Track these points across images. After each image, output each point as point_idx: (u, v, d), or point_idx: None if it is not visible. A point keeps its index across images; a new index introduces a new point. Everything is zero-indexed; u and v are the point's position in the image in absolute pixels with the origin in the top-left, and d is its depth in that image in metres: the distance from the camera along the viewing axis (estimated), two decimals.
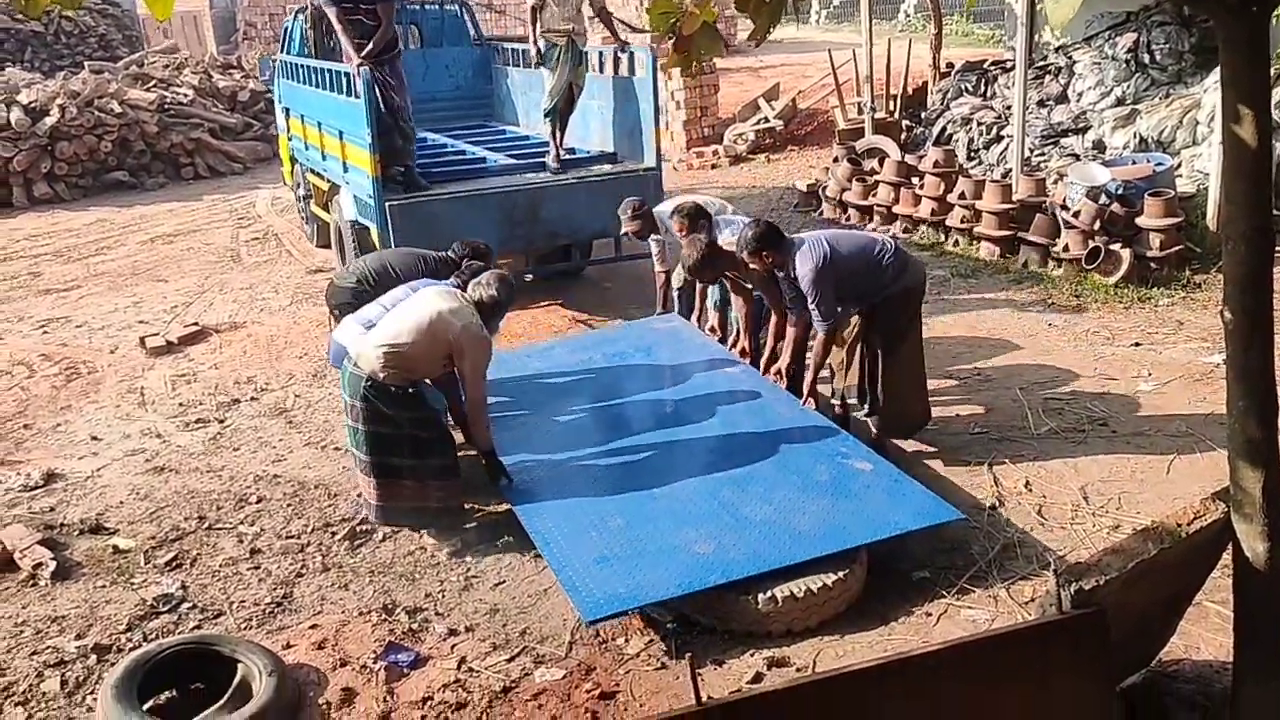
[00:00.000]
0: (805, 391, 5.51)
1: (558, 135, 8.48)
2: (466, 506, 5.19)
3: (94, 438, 6.48)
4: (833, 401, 5.74)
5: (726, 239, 5.72)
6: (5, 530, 5.20)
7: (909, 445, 5.61)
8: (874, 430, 5.53)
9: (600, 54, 8.82)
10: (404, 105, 7.87)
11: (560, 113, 8.43)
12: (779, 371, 5.70)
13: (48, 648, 4.34)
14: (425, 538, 5.03)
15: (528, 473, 5.12)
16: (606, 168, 8.56)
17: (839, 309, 5.29)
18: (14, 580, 4.87)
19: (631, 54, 8.43)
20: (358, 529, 5.16)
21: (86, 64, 18.47)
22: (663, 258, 6.72)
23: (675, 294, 6.91)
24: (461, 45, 11.34)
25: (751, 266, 5.36)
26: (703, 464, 5.04)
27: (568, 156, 8.59)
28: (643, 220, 6.56)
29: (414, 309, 4.93)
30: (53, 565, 4.88)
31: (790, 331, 5.59)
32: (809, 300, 5.20)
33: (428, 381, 5.13)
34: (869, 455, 4.99)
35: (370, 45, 7.65)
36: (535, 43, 8.24)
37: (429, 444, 4.94)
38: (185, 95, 16.34)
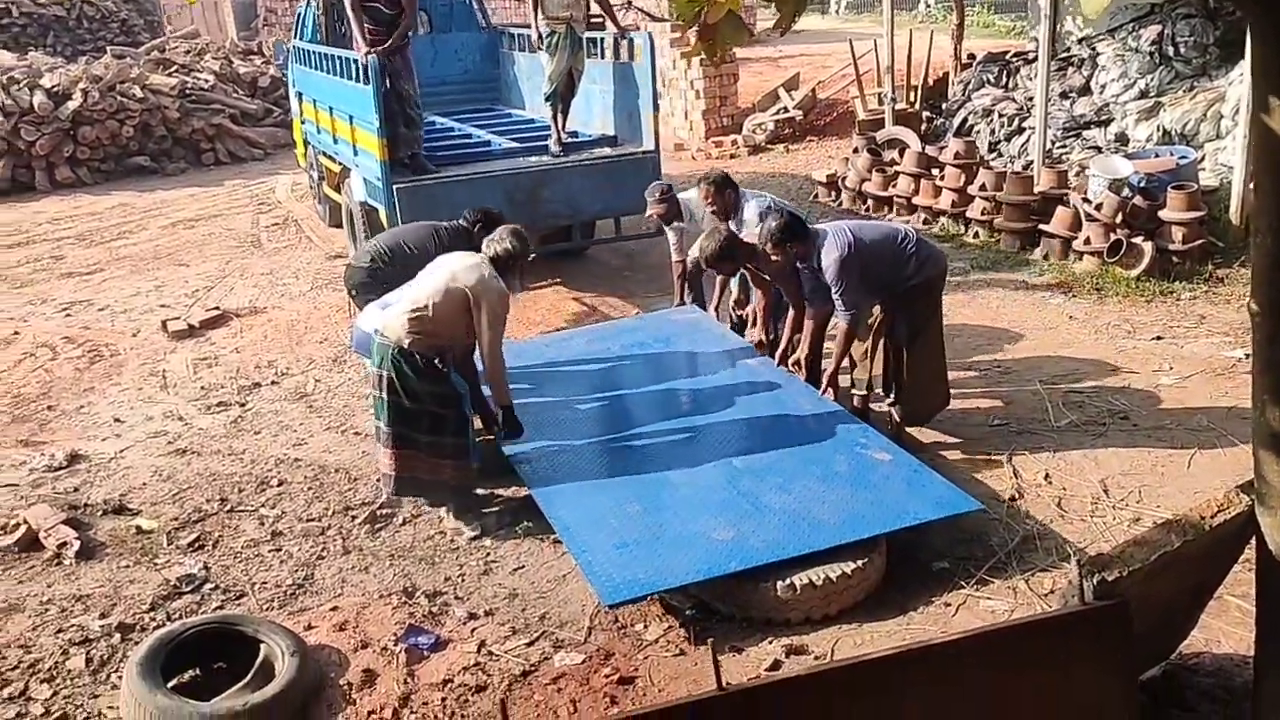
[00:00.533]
0: (825, 382, 5.51)
1: (559, 119, 8.60)
2: (484, 492, 5.22)
3: (117, 420, 6.55)
4: (852, 392, 5.74)
5: (751, 215, 5.73)
6: (30, 510, 5.27)
7: (928, 436, 5.60)
8: (896, 419, 5.53)
9: (599, 40, 8.89)
10: (412, 93, 7.95)
11: (561, 97, 8.56)
12: (797, 362, 5.70)
13: (72, 626, 4.40)
14: (445, 522, 5.07)
15: (547, 459, 5.15)
16: (606, 151, 8.67)
17: (861, 298, 5.28)
18: (39, 559, 4.94)
19: (630, 40, 8.55)
20: (378, 513, 5.20)
21: (109, 49, 18.52)
22: (680, 248, 6.73)
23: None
24: (470, 31, 11.47)
25: (773, 259, 5.33)
26: (722, 452, 5.05)
27: (569, 140, 8.70)
28: (668, 204, 6.55)
29: (433, 275, 4.99)
30: (77, 545, 4.94)
31: (808, 323, 5.58)
32: (834, 290, 5.18)
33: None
34: (888, 446, 4.99)
35: (391, 41, 7.71)
36: (537, 28, 8.43)
37: (446, 422, 4.96)
38: (206, 81, 16.39)
